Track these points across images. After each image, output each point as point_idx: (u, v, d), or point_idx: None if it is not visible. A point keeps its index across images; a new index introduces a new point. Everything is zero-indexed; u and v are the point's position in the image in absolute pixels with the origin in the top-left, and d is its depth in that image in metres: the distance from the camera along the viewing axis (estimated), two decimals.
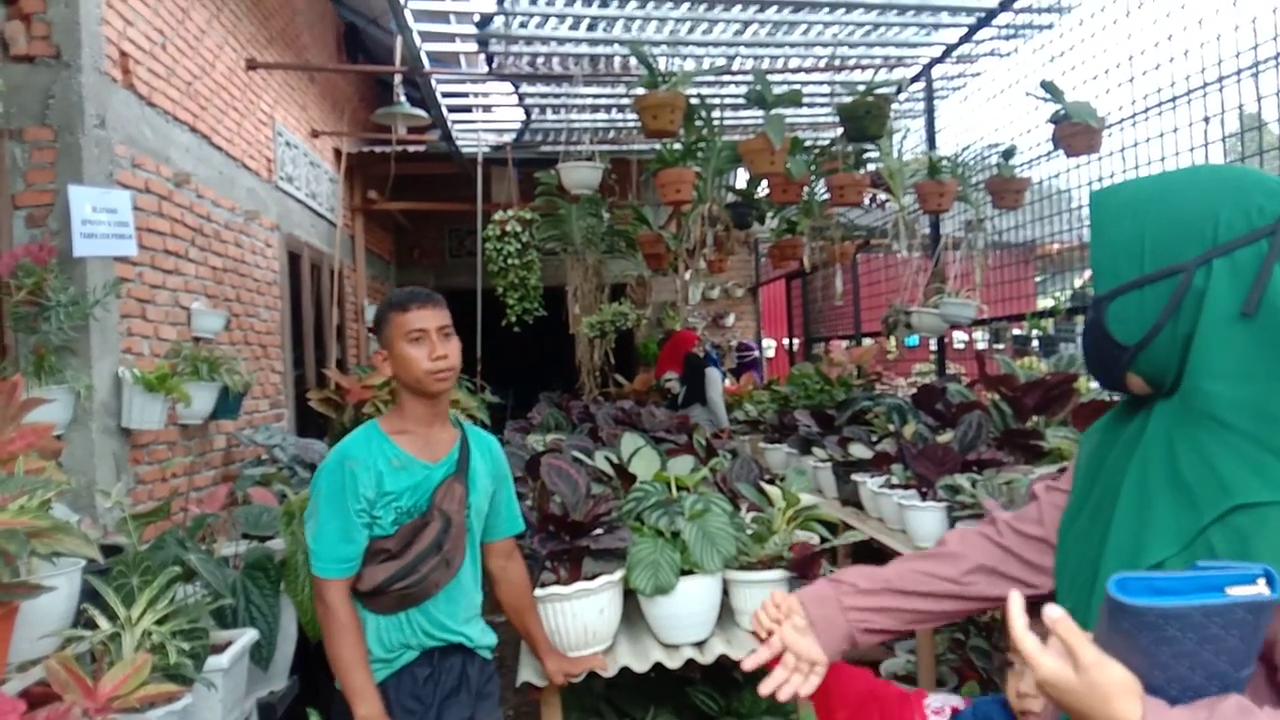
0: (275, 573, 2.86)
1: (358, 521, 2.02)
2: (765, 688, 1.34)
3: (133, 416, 3.73)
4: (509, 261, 6.64)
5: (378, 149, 8.31)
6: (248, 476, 3.99)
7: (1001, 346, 6.56)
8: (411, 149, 8.19)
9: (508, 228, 6.56)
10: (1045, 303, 6.04)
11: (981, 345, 7.05)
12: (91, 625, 2.25)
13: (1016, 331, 5.93)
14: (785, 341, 10.98)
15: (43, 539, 2.05)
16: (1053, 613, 0.94)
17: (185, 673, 2.28)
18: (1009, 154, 4.87)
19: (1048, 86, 4.44)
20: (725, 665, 2.73)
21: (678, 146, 5.09)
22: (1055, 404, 4.00)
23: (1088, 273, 6.26)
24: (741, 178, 6.37)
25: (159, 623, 2.30)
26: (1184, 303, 1.01)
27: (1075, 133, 4.26)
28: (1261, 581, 0.88)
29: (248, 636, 2.67)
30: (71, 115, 3.55)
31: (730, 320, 10.98)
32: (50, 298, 3.30)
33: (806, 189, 5.41)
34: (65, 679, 1.97)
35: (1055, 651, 0.93)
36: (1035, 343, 5.19)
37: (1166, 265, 1.03)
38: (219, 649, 2.54)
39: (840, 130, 4.94)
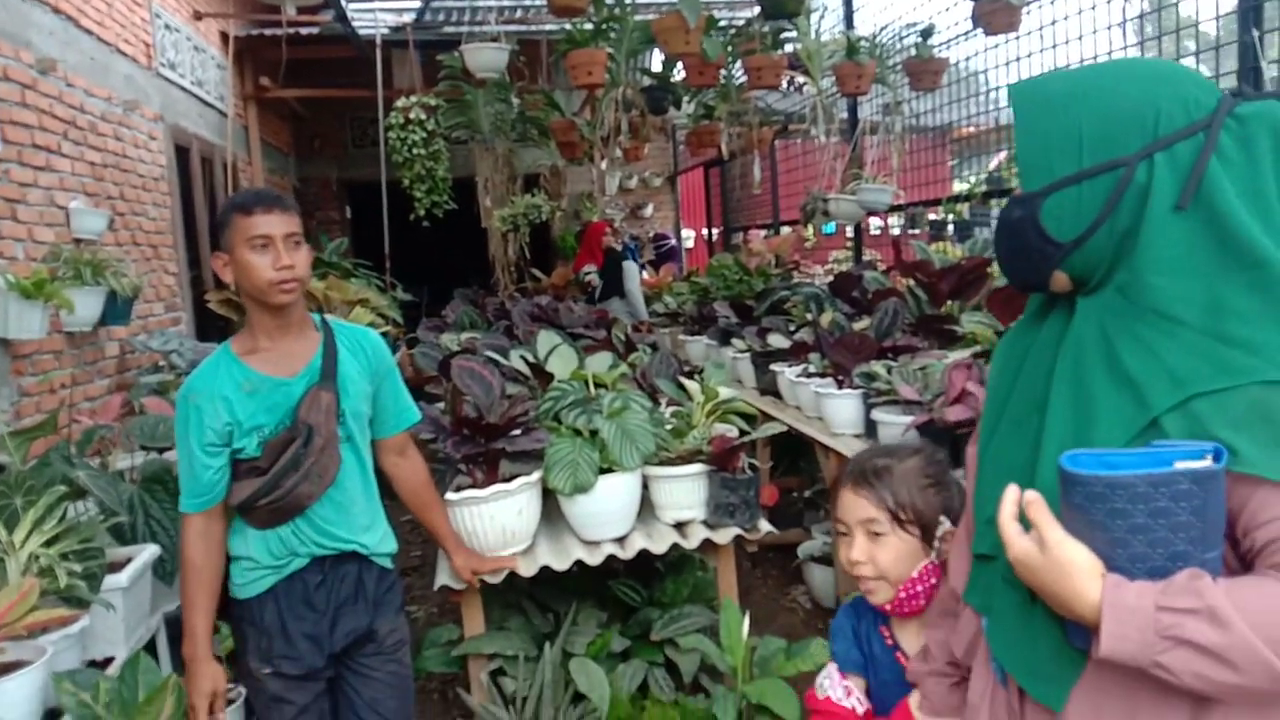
0: (174, 485, 2.72)
1: (204, 456, 1.93)
2: None
3: (9, 325, 3.47)
4: (414, 151, 6.34)
5: (268, 32, 7.75)
6: (143, 385, 3.79)
7: (916, 232, 6.59)
8: (304, 31, 7.65)
9: (411, 115, 6.24)
10: (960, 187, 6.06)
11: (896, 231, 7.09)
12: None
13: (932, 217, 5.95)
14: (705, 231, 10.89)
15: None
16: (1029, 495, 0.96)
17: (80, 594, 2.17)
18: (927, 33, 4.77)
19: None
20: (646, 557, 2.73)
21: (588, 26, 4.84)
22: (970, 289, 4.02)
23: (1000, 155, 6.28)
24: (656, 60, 6.15)
25: (47, 544, 2.16)
26: (1124, 197, 0.99)
27: (995, 10, 4.18)
28: (1209, 457, 0.89)
29: (148, 552, 2.55)
30: None
31: (649, 211, 10.81)
32: None
33: (723, 71, 5.24)
34: None
35: (1031, 537, 0.96)
36: (950, 228, 5.22)
37: (1107, 159, 0.99)
38: (117, 567, 2.42)
39: (757, 9, 4.76)
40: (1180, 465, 0.89)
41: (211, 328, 5.85)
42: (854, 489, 1.50)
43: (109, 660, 2.34)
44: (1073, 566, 0.92)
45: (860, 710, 1.52)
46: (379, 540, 2.08)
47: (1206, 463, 0.89)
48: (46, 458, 2.57)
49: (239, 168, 7.43)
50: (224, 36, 7.42)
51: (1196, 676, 0.87)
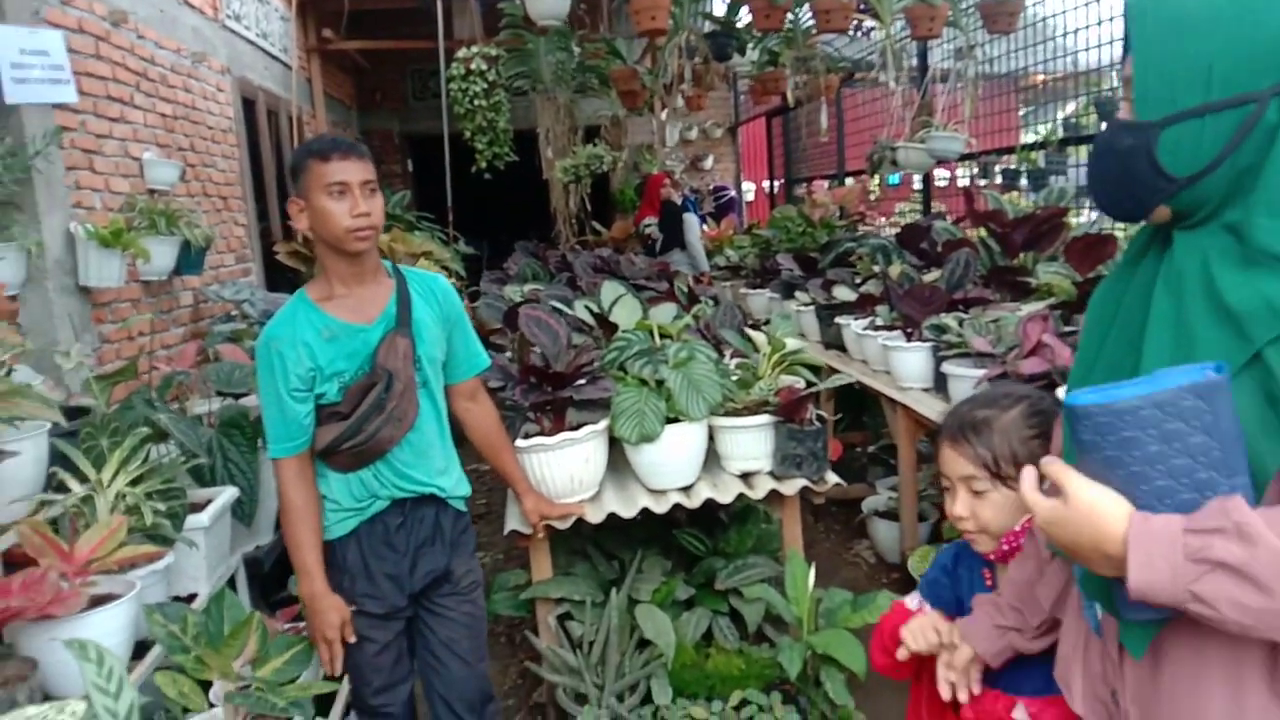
0: (251, 429, 2.80)
1: (292, 402, 1.96)
2: (945, 693, 1.41)
3: (90, 274, 3.57)
4: (475, 103, 6.31)
5: None
6: (217, 333, 3.87)
7: (984, 182, 6.41)
8: None
9: (472, 66, 6.20)
10: (1028, 137, 5.85)
11: (964, 181, 6.90)
12: (63, 489, 2.19)
13: (1002, 166, 5.77)
14: (765, 184, 10.73)
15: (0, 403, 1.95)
16: (1045, 458, 0.99)
17: (165, 533, 2.24)
18: None
19: None
20: (711, 507, 2.74)
21: None
22: (1045, 239, 3.91)
23: (1071, 105, 6.05)
24: (719, 5, 6.02)
25: (132, 484, 2.24)
26: (1251, 135, 0.93)
27: None
28: (1211, 371, 0.86)
29: (227, 494, 2.63)
30: None
31: (709, 163, 10.68)
32: None
33: (790, 15, 5.11)
34: (39, 543, 1.92)
35: (1051, 492, 0.96)
36: (1024, 178, 5.06)
37: (1238, 93, 0.93)
38: (199, 507, 2.50)
39: None
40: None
41: (280, 279, 5.95)
42: (952, 444, 1.45)
43: (192, 596, 2.43)
44: (1098, 508, 0.91)
45: None
46: (454, 483, 2.11)
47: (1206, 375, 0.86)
48: (129, 401, 2.65)
49: (303, 120, 7.49)
50: None
51: (1234, 605, 0.83)
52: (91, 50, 3.92)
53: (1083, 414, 0.89)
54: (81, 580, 1.93)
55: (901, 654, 1.47)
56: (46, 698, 1.81)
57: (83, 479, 2.20)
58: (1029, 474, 1.00)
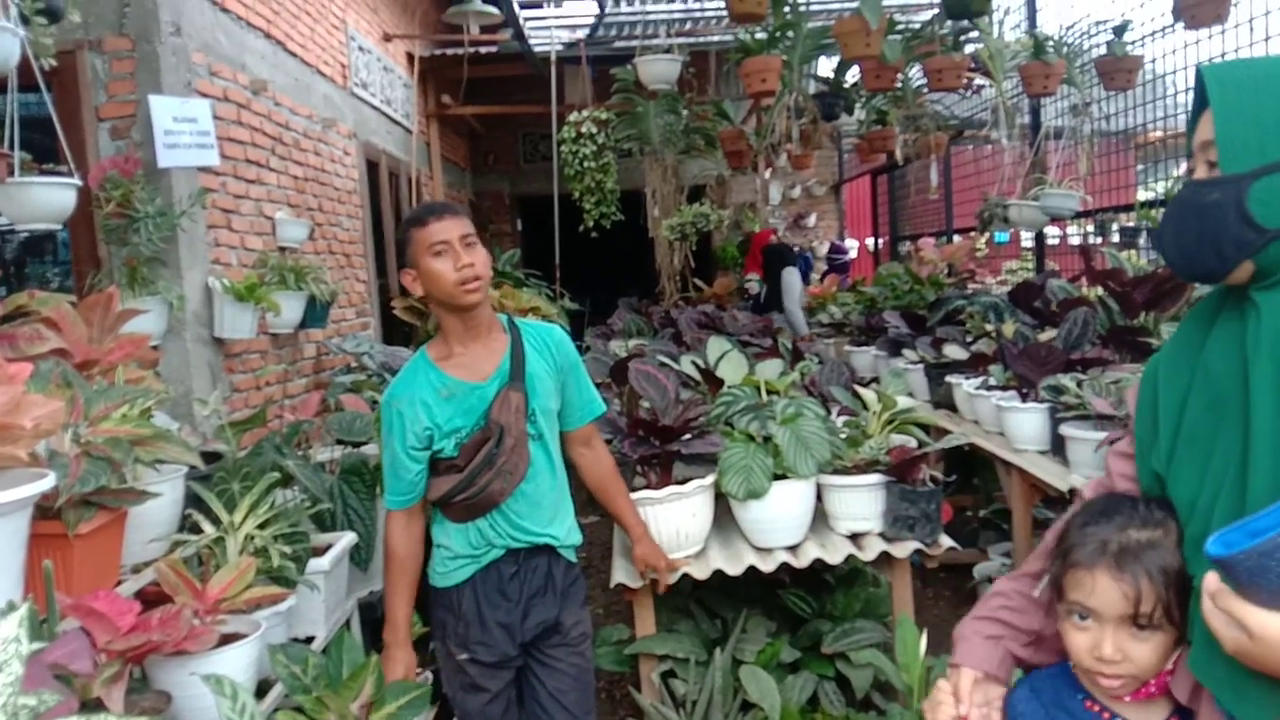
0: (370, 477, 2.90)
1: (406, 459, 2.06)
2: None
3: (224, 326, 3.78)
4: (585, 165, 6.51)
5: (449, 51, 8.16)
6: (338, 384, 4.03)
7: (1100, 240, 6.24)
8: (484, 50, 8.01)
9: (583, 129, 6.42)
10: (1144, 195, 5.69)
11: (1076, 239, 6.72)
12: (196, 530, 2.30)
13: (1120, 224, 5.61)
14: (869, 242, 10.65)
15: (145, 446, 2.08)
16: (1210, 586, 0.93)
17: (288, 575, 2.33)
18: (1121, 30, 4.51)
19: None
20: (816, 569, 2.70)
21: (761, 35, 4.84)
22: (1166, 299, 3.77)
23: (1185, 163, 5.85)
24: (825, 67, 6.08)
25: (261, 527, 2.34)
26: None
27: (1201, 1, 3.89)
28: None
29: (347, 539, 2.72)
30: (148, 23, 3.52)
31: (811, 220, 10.67)
32: (139, 209, 3.33)
33: (900, 75, 5.12)
34: (175, 582, 2.03)
35: (1229, 623, 0.92)
36: (1144, 235, 4.90)
37: None
38: (319, 551, 2.58)
39: (936, 9, 4.63)
40: None
41: (396, 333, 6.18)
42: (1116, 574, 1.13)
43: (310, 639, 2.50)
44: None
45: None
46: (566, 532, 2.15)
47: None
48: (259, 447, 2.77)
49: (421, 182, 7.83)
50: (410, 57, 7.85)
51: None
52: (234, 117, 4.20)
53: (1231, 562, 0.89)
54: (213, 618, 2.02)
55: None
56: None
57: (215, 521, 2.32)
58: (1207, 592, 0.94)
